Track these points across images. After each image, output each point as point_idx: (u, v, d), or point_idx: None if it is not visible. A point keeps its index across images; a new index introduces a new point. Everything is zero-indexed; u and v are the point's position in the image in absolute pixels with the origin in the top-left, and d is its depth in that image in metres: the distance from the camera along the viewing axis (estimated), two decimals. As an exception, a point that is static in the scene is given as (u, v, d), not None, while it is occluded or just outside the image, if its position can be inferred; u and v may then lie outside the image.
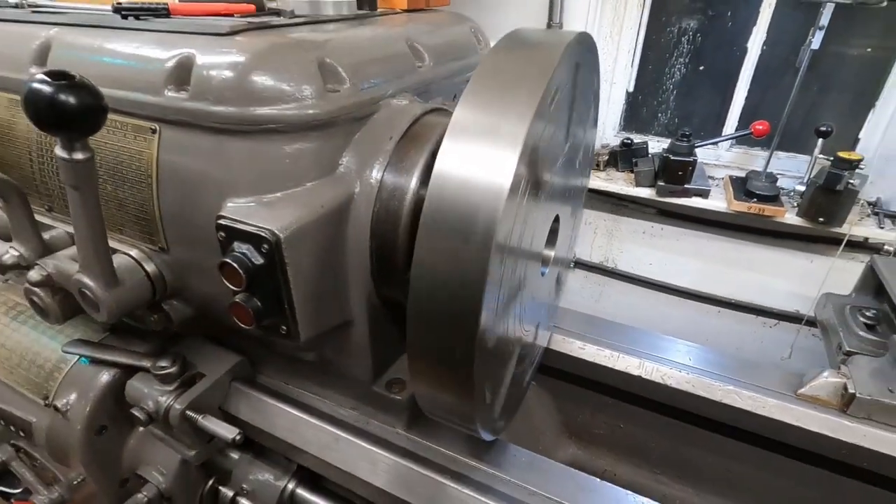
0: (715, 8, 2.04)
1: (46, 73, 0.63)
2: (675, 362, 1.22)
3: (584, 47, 0.80)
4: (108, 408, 1.06)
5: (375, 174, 0.83)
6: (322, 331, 0.86)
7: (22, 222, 0.90)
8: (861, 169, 1.75)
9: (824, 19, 1.66)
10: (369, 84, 0.87)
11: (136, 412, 0.99)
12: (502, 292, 0.69)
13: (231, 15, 0.97)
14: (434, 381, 0.72)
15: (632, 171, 2.17)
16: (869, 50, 1.91)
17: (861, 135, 2.02)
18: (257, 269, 0.74)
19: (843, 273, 1.95)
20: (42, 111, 0.63)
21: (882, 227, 1.84)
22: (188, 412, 0.98)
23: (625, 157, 2.21)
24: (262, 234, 0.72)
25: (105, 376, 1.06)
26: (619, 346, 1.26)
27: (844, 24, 1.86)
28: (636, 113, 2.39)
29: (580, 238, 2.57)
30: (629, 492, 0.93)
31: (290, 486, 1.10)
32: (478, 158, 0.62)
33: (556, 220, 0.95)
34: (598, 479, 0.95)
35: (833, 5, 1.63)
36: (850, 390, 1.08)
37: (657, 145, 2.28)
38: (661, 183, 2.05)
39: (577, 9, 2.12)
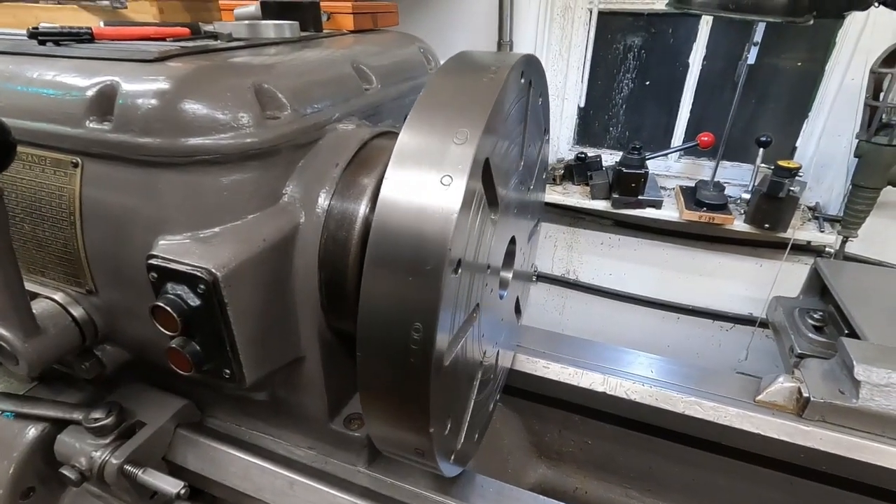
0: (657, 26, 2.13)
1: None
2: (638, 376, 1.22)
3: (531, 68, 0.80)
4: (35, 467, 0.97)
5: (322, 203, 0.79)
6: (270, 371, 0.80)
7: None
8: (800, 176, 1.84)
9: (757, 36, 1.76)
10: (312, 109, 0.84)
11: (66, 471, 0.90)
12: (457, 319, 0.66)
13: (163, 39, 0.92)
14: (389, 418, 0.68)
15: (587, 185, 2.21)
16: (800, 64, 2.02)
17: (798, 143, 2.13)
18: (193, 312, 0.68)
19: (791, 275, 2.04)
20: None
21: (822, 231, 1.93)
22: (126, 467, 0.90)
23: (580, 170, 2.25)
24: (198, 274, 0.66)
25: (32, 432, 0.97)
26: (582, 363, 1.26)
27: (777, 40, 1.97)
28: (589, 127, 2.44)
29: (542, 252, 2.58)
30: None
31: (245, 537, 1.03)
32: (425, 184, 0.60)
33: (512, 241, 0.93)
34: (563, 504, 0.93)
35: (765, 22, 1.73)
36: (805, 394, 1.10)
37: (610, 158, 2.33)
38: (615, 195, 2.09)
39: (526, 27, 2.16)
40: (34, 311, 0.80)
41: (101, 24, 0.95)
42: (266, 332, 0.77)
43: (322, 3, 1.25)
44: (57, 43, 0.84)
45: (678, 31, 2.10)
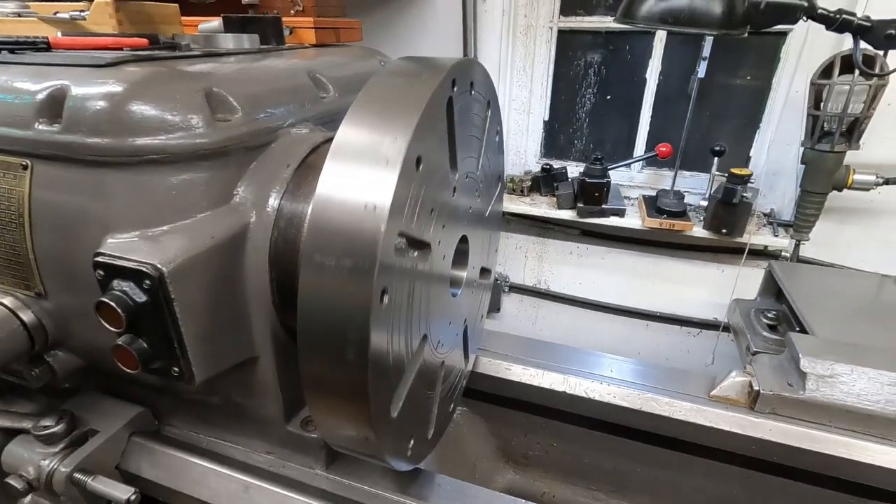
0: (614, 43, 2.23)
1: None
2: (598, 375, 1.25)
3: (469, 71, 0.83)
4: (-18, 480, 0.94)
5: (272, 202, 0.81)
6: (221, 369, 0.81)
7: None
8: (752, 183, 1.92)
9: (706, 51, 1.86)
10: (265, 114, 0.86)
11: (11, 481, 0.88)
12: (397, 314, 0.68)
13: (120, 48, 0.94)
14: (333, 413, 0.69)
15: (554, 195, 2.27)
16: (749, 78, 2.14)
17: (751, 153, 2.23)
18: (140, 308, 0.69)
19: (751, 280, 2.11)
20: None
21: (777, 236, 2.01)
22: (76, 475, 0.88)
23: (546, 181, 2.31)
24: (144, 270, 0.67)
25: (-22, 444, 0.94)
26: (544, 364, 1.28)
27: (725, 56, 2.08)
28: (554, 140, 2.52)
29: (513, 262, 2.62)
30: (553, 509, 0.92)
31: (202, 547, 1.01)
32: (358, 179, 0.62)
33: (464, 240, 0.96)
34: (523, 501, 0.94)
35: (712, 38, 1.83)
36: (755, 387, 1.14)
37: (576, 170, 2.41)
38: (580, 205, 2.15)
39: (490, 45, 2.24)
40: (-19, 315, 0.80)
41: (59, 34, 0.97)
42: (216, 329, 0.77)
43: (284, 19, 1.29)
44: (12, 51, 0.86)
45: (635, 48, 2.21)
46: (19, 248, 0.80)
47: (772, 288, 1.76)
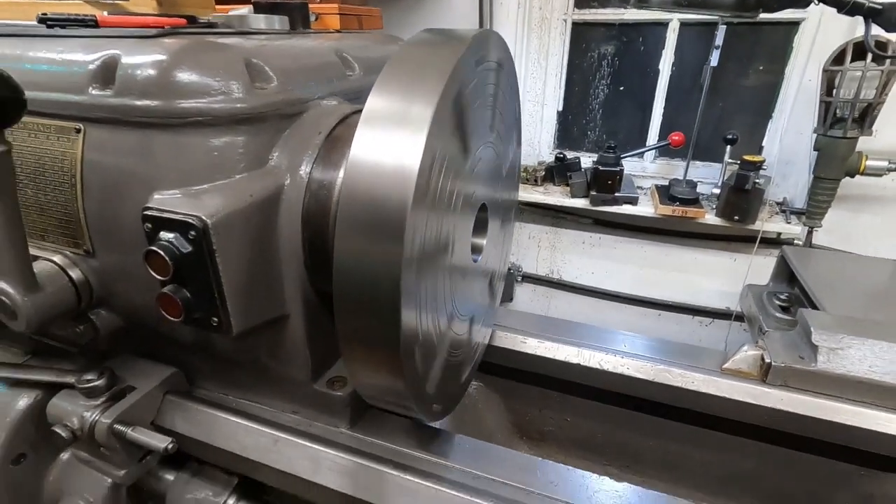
0: (628, 34, 2.26)
1: (-41, 65, 0.63)
2: (611, 349, 1.28)
3: (490, 42, 0.87)
4: (27, 434, 1.00)
5: (305, 168, 0.86)
6: (256, 323, 0.86)
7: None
8: (764, 170, 1.94)
9: (719, 39, 1.88)
10: (298, 85, 0.91)
11: (58, 429, 0.93)
12: (425, 276, 0.72)
13: (162, 27, 1.00)
14: (366, 365, 0.74)
15: (567, 185, 2.30)
16: (761, 68, 2.15)
17: (764, 142, 2.25)
18: (185, 258, 0.74)
19: (763, 269, 2.12)
20: (-47, 99, 0.63)
21: (789, 223, 2.03)
22: (116, 426, 0.94)
23: (559, 171, 2.34)
24: (190, 221, 0.72)
25: (24, 400, 1.00)
26: (558, 338, 1.31)
27: (739, 45, 2.10)
28: (568, 131, 2.55)
29: (526, 252, 2.66)
30: (567, 466, 0.96)
31: (231, 501, 1.06)
32: (388, 143, 0.65)
33: (483, 208, 1.00)
34: (538, 458, 0.97)
35: (725, 27, 1.85)
36: (767, 360, 1.16)
37: (589, 160, 2.44)
38: (593, 192, 2.19)
39: (505, 37, 2.28)
40: (35, 271, 0.85)
41: (105, 13, 1.03)
42: (252, 283, 0.82)
43: (310, 5, 1.35)
44: (63, 27, 0.92)
45: (648, 39, 2.24)
46: (70, 208, 0.86)
47: (784, 272, 1.78)
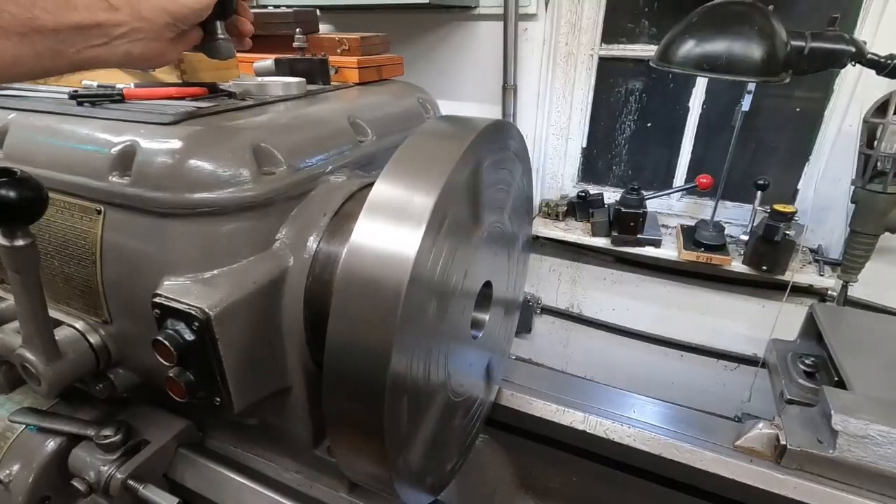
0: (657, 71, 2.20)
1: (-11, 171, 0.68)
2: (620, 415, 1.25)
3: (503, 130, 0.88)
4: (51, 478, 1.06)
5: (310, 248, 0.88)
6: (257, 398, 0.89)
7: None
8: (797, 219, 1.85)
9: (751, 84, 1.81)
10: (306, 164, 0.94)
11: (76, 483, 0.99)
12: (416, 359, 0.73)
13: (183, 98, 1.04)
14: (351, 448, 0.75)
15: (589, 221, 2.27)
16: (799, 110, 2.06)
17: (799, 186, 2.15)
18: (188, 346, 0.77)
19: (794, 317, 2.03)
20: (-17, 206, 0.68)
21: (822, 274, 1.93)
22: (129, 482, 0.99)
23: (581, 207, 2.31)
24: (193, 313, 0.76)
25: (50, 445, 1.06)
26: (566, 400, 1.29)
27: (774, 87, 2.01)
28: (592, 165, 2.51)
29: (546, 284, 2.63)
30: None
31: (235, 554, 1.09)
32: (386, 234, 0.67)
33: (487, 285, 1.00)
34: (534, 541, 0.96)
35: (758, 72, 1.78)
36: (783, 442, 1.11)
37: (614, 195, 2.39)
38: (615, 233, 2.14)
39: (530, 71, 2.27)
40: (57, 336, 0.91)
41: (132, 84, 1.08)
42: (254, 364, 0.85)
43: (331, 58, 1.38)
44: (92, 104, 0.98)
45: (678, 76, 2.18)
46: (91, 281, 0.91)
47: (813, 330, 1.69)
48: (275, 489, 1.03)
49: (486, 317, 1.04)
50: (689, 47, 1.24)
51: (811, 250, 2.08)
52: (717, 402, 2.37)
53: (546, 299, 2.65)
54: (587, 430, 1.24)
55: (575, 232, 2.28)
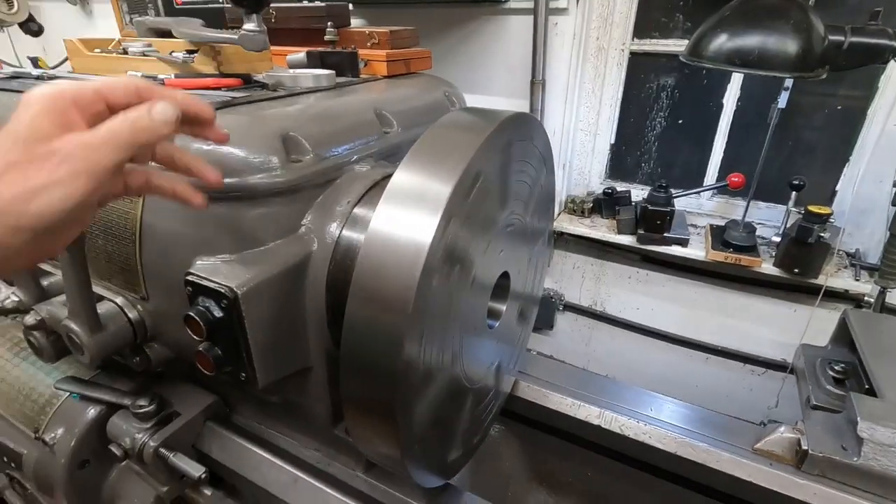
0: (690, 67, 2.14)
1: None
2: (636, 412, 1.25)
3: (520, 125, 0.89)
4: (91, 443, 1.13)
5: (332, 234, 0.92)
6: (280, 377, 0.93)
7: (22, 270, 1.01)
8: (833, 222, 1.79)
9: (788, 81, 1.75)
10: (332, 153, 0.97)
11: (113, 448, 1.06)
12: (430, 344, 0.75)
13: (219, 88, 1.09)
14: (365, 427, 0.78)
15: (615, 219, 2.24)
16: (839, 108, 1.98)
17: (838, 187, 2.07)
18: (217, 322, 0.82)
19: (826, 322, 1.96)
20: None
21: (859, 279, 1.86)
22: (161, 450, 1.05)
23: (607, 204, 2.28)
24: (222, 291, 0.80)
25: (91, 412, 1.14)
26: (583, 395, 1.30)
27: (814, 83, 1.94)
28: (620, 162, 2.48)
29: (569, 282, 2.62)
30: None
31: (256, 524, 1.15)
32: (404, 222, 0.69)
33: (504, 276, 1.02)
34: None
35: (796, 68, 1.72)
36: (804, 447, 1.09)
37: (641, 193, 2.35)
38: (641, 231, 2.11)
39: (559, 66, 2.25)
40: (99, 310, 0.97)
41: (173, 75, 1.14)
42: (278, 343, 0.89)
43: (360, 51, 1.41)
44: (135, 93, 1.03)
45: (712, 72, 2.12)
46: (130, 259, 0.97)
47: (845, 337, 1.63)
48: (295, 465, 1.08)
49: (502, 307, 1.06)
50: (720, 41, 1.21)
51: (848, 254, 2.00)
52: (742, 408, 2.32)
53: (569, 296, 2.64)
54: (602, 426, 1.24)
55: (600, 229, 2.26)
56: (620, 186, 2.37)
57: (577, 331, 2.68)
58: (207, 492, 1.21)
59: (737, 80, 2.08)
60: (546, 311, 2.60)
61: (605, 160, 2.47)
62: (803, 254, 1.80)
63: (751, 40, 1.18)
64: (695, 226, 2.28)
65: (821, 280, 1.84)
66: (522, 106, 2.32)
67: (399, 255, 0.68)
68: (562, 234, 2.41)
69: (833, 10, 1.82)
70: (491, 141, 0.78)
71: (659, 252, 2.14)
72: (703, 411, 1.27)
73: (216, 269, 0.84)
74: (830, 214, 1.74)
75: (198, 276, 0.83)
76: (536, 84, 2.21)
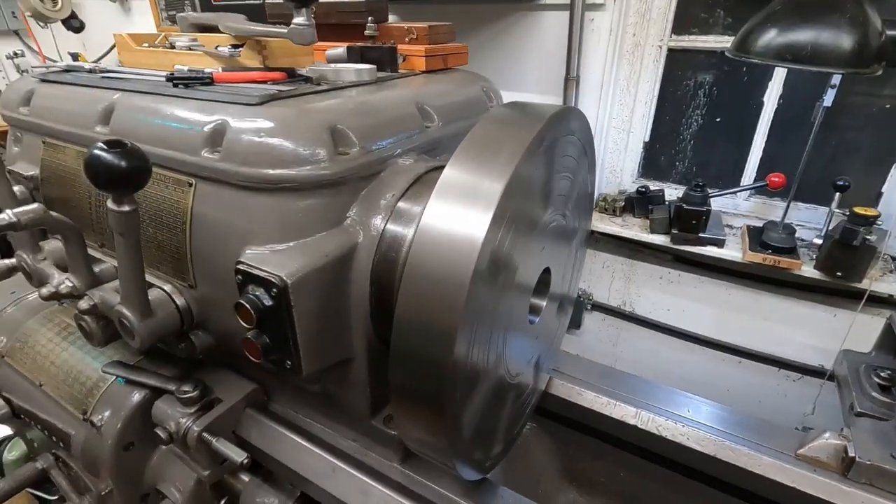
0: (730, 63, 2.10)
1: (105, 142, 0.76)
2: (673, 413, 1.23)
3: (567, 119, 0.88)
4: (136, 426, 1.17)
5: (378, 226, 0.93)
6: (324, 366, 0.94)
7: (77, 257, 1.04)
8: (879, 224, 1.73)
9: (836, 78, 1.69)
10: (377, 146, 0.98)
11: (158, 431, 1.09)
12: (478, 340, 0.75)
13: (265, 82, 1.11)
14: (413, 419, 0.79)
15: (647, 218, 2.20)
16: (888, 106, 1.91)
17: (884, 189, 1.99)
18: (267, 310, 0.84)
19: (869, 328, 1.89)
20: (99, 174, 0.76)
21: (905, 284, 1.80)
22: (204, 434, 1.08)
23: (640, 203, 2.25)
24: (272, 280, 0.82)
25: (136, 396, 1.17)
26: (617, 394, 1.28)
27: (861, 79, 1.87)
28: (654, 161, 2.43)
29: (598, 281, 2.59)
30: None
31: (292, 510, 1.17)
32: (457, 216, 0.70)
33: (546, 271, 1.01)
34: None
35: (844, 65, 1.66)
36: (851, 454, 1.06)
37: (675, 192, 2.31)
38: (675, 231, 2.08)
39: (594, 63, 2.22)
40: (149, 297, 1.00)
41: (220, 69, 1.16)
42: (322, 332, 0.91)
43: (399, 46, 1.42)
44: (186, 86, 1.06)
45: (753, 69, 2.06)
46: (180, 248, 1.00)
47: (890, 342, 1.58)
48: (332, 453, 1.09)
49: (542, 303, 1.06)
50: (770, 36, 1.18)
51: (893, 258, 1.93)
52: (775, 414, 2.26)
53: (598, 296, 2.61)
54: (638, 426, 1.23)
55: (632, 228, 2.23)
56: (653, 185, 2.33)
57: (604, 331, 2.65)
58: (245, 477, 1.25)
59: (779, 77, 2.02)
60: (574, 310, 2.57)
61: (639, 158, 2.43)
62: (847, 257, 1.74)
63: (803, 35, 1.14)
64: (731, 226, 2.22)
65: (864, 284, 1.78)
66: (556, 102, 2.30)
67: (452, 252, 0.68)
68: (592, 232, 2.39)
69: (890, 3, 1.75)
70: (539, 137, 0.78)
71: (692, 252, 2.10)
72: (741, 415, 1.24)
73: (266, 259, 0.86)
74: (878, 216, 1.68)
75: (249, 264, 0.85)
76: (570, 81, 2.19)
